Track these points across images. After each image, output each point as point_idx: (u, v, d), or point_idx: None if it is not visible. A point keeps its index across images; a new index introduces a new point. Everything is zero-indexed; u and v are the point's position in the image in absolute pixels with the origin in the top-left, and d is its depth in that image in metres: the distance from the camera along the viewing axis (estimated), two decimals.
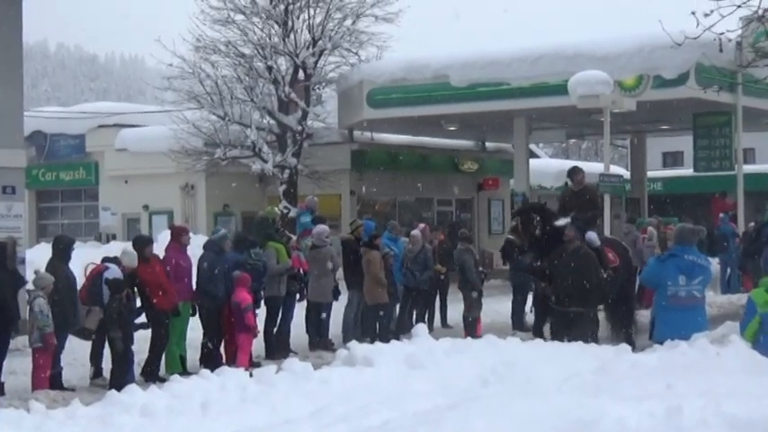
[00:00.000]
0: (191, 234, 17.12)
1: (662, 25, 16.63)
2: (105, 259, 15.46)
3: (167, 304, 15.31)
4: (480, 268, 20.43)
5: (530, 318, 21.81)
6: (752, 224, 27.57)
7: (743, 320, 11.58)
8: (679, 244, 12.70)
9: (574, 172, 18.57)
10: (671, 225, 26.40)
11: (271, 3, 31.62)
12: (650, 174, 41.91)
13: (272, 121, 32.01)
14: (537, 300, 17.99)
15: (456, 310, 20.68)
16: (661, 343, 11.60)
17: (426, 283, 20.50)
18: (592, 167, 41.57)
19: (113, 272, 14.83)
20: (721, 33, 16.07)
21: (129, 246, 15.80)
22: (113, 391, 9.13)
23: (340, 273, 19.02)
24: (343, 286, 19.09)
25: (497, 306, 22.07)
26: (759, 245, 23.54)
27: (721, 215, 29.26)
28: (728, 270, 27.57)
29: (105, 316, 14.40)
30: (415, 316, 20.60)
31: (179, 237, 16.38)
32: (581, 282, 15.66)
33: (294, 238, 19.57)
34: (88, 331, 14.69)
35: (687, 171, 41.22)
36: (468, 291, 19.57)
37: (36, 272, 14.59)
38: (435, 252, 21.26)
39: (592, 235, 16.79)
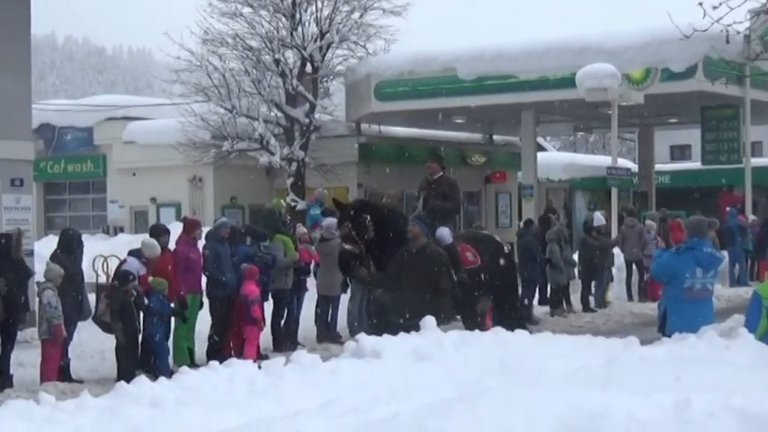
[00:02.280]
0: (203, 228, 17.17)
1: (670, 18, 16.61)
2: (131, 252, 15.48)
3: (171, 296, 15.36)
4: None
5: (537, 311, 21.95)
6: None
7: (748, 313, 11.57)
8: (695, 236, 12.67)
9: (430, 159, 16.56)
10: (678, 218, 26.43)
11: None
12: (658, 167, 41.90)
13: (279, 114, 32.03)
14: (375, 313, 15.29)
15: None
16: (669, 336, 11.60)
17: None
18: (599, 161, 41.67)
19: (131, 264, 14.88)
20: (729, 26, 16.04)
21: (147, 237, 15.80)
22: (122, 382, 9.15)
23: None
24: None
25: None
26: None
27: (729, 209, 29.26)
28: (736, 264, 27.57)
29: (109, 307, 14.45)
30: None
31: (191, 230, 16.43)
32: (426, 287, 13.66)
33: (304, 230, 19.58)
34: (105, 323, 14.72)
35: (695, 164, 41.23)
36: None
37: (47, 264, 14.65)
38: None
39: (443, 231, 14.86)
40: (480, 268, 15.21)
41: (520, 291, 21.51)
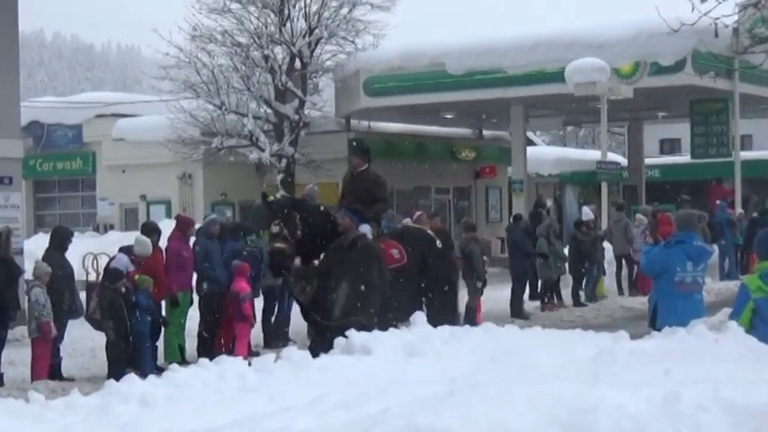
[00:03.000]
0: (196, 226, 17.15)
1: (658, 11, 16.63)
2: (121, 249, 15.44)
3: (161, 294, 15.35)
4: (484, 257, 20.36)
5: (528, 306, 21.99)
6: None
7: (735, 306, 11.60)
8: (684, 230, 12.68)
9: (352, 152, 15.48)
10: (668, 212, 26.46)
11: None
12: (648, 161, 41.96)
13: (268, 111, 32.02)
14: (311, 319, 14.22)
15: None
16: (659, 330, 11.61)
17: None
18: (589, 155, 41.69)
19: (120, 260, 14.84)
20: (717, 19, 16.08)
21: (140, 234, 15.76)
22: (112, 380, 9.14)
23: None
24: None
25: (495, 294, 22.11)
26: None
27: (718, 202, 29.30)
28: (726, 257, 27.61)
29: (99, 305, 14.42)
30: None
31: (185, 228, 16.41)
32: (356, 283, 12.91)
33: None
34: (96, 321, 14.69)
35: (685, 158, 41.28)
36: (473, 280, 19.60)
37: (36, 262, 14.62)
38: None
39: (364, 229, 13.72)
40: (407, 267, 14.06)
41: (511, 285, 21.70)
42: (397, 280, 13.69)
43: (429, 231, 15.61)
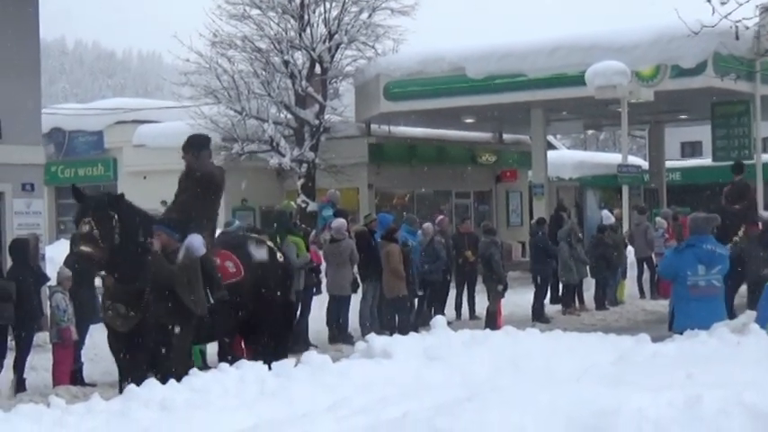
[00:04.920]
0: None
1: (678, 14, 16.57)
2: None
3: None
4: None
5: (549, 309, 21.95)
6: None
7: (760, 308, 11.54)
8: (695, 233, 12.65)
9: (183, 147, 12.97)
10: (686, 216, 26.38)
11: None
12: (669, 164, 41.79)
13: (289, 116, 32.04)
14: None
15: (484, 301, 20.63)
16: (681, 333, 11.57)
17: (437, 274, 20.55)
18: (610, 158, 41.59)
19: None
20: (738, 21, 16.02)
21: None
22: (132, 385, 9.15)
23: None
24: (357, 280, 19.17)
25: (516, 298, 22.09)
26: None
27: None
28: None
29: None
30: (433, 308, 20.64)
31: None
32: (170, 307, 11.37)
33: (313, 231, 19.64)
34: None
35: (706, 161, 41.09)
36: (494, 283, 19.59)
37: (59, 267, 14.69)
38: (465, 242, 21.47)
39: (194, 240, 11.77)
40: (245, 281, 12.37)
41: (533, 289, 21.67)
42: (234, 296, 12.06)
43: (269, 243, 13.83)
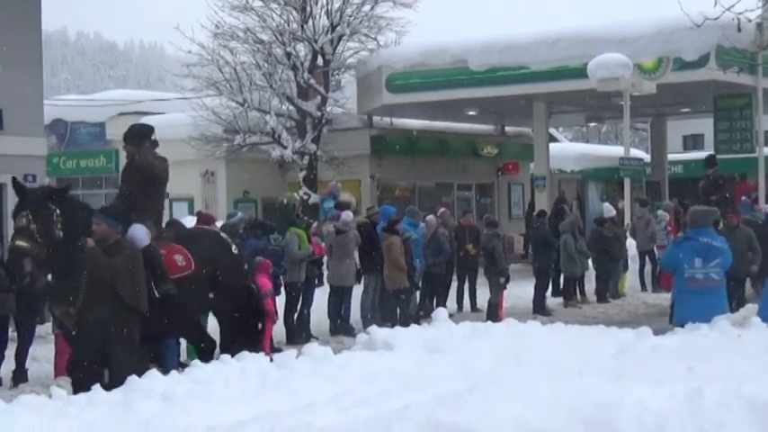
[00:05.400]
0: (218, 223, 17.19)
1: (681, 6, 16.55)
2: None
3: None
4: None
5: (551, 302, 21.96)
6: None
7: (762, 302, 11.55)
8: (693, 226, 12.67)
9: (123, 138, 12.41)
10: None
11: None
12: (671, 157, 41.75)
13: (291, 108, 32.02)
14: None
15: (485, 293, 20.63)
16: (682, 326, 11.59)
17: (440, 266, 20.56)
18: (612, 151, 41.54)
19: None
20: (740, 14, 15.99)
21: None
22: (134, 376, 9.17)
23: (356, 257, 19.11)
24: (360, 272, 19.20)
25: (518, 291, 22.09)
26: None
27: (743, 198, 29.13)
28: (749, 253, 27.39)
29: None
30: (435, 300, 20.65)
31: (206, 224, 16.44)
32: (110, 301, 10.72)
33: (315, 223, 19.65)
34: None
35: (708, 154, 41.05)
36: (496, 275, 19.59)
37: None
38: (466, 234, 21.48)
39: (137, 230, 11.45)
40: (195, 275, 11.87)
41: (534, 282, 21.67)
42: (184, 292, 11.58)
43: (223, 234, 13.53)
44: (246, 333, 12.66)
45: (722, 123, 31.85)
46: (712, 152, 29.94)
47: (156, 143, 12.31)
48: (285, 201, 20.48)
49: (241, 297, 12.76)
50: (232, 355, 10.08)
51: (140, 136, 12.18)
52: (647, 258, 24.94)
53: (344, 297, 18.61)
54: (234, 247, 12.94)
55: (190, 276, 11.79)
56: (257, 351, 10.60)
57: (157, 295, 11.21)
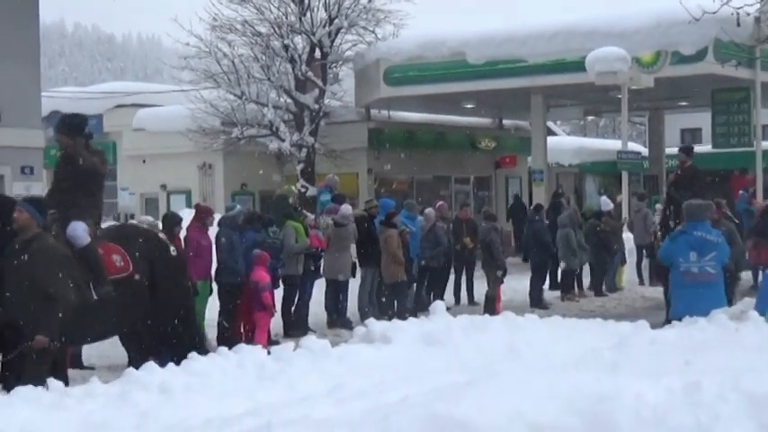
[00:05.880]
0: (215, 215, 17.17)
1: (679, 0, 16.55)
2: None
3: None
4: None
5: (548, 295, 21.96)
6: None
7: (759, 297, 11.56)
8: (688, 220, 12.67)
9: (56, 129, 11.70)
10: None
11: None
12: (668, 150, 41.72)
13: (288, 100, 32.00)
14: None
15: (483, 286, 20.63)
16: (678, 320, 11.59)
17: (438, 260, 20.55)
18: (610, 145, 41.57)
19: None
20: (739, 8, 15.99)
21: (143, 216, 15.81)
22: (131, 368, 9.16)
23: (353, 250, 19.10)
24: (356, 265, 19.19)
25: (515, 284, 22.08)
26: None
27: (741, 192, 29.14)
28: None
29: None
30: (432, 294, 20.64)
31: (204, 217, 16.43)
32: (33, 297, 9.96)
33: (312, 216, 19.63)
34: None
35: (706, 148, 41.06)
36: (493, 269, 19.59)
37: None
38: (463, 228, 21.47)
39: (76, 228, 10.81)
40: (133, 277, 11.29)
41: (530, 275, 21.68)
42: (122, 294, 10.99)
43: (161, 235, 12.91)
44: (178, 336, 11.80)
45: (720, 117, 31.86)
46: (688, 144, 29.93)
47: (90, 135, 11.70)
48: (281, 193, 20.46)
49: (181, 304, 11.98)
50: (156, 361, 9.58)
51: (75, 128, 11.40)
52: (644, 252, 24.93)
53: (341, 290, 18.61)
54: (173, 248, 12.27)
55: (129, 278, 11.19)
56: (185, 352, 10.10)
57: (95, 297, 10.63)
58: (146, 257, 11.52)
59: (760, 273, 21.43)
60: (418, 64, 30.66)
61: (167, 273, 11.74)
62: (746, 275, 23.99)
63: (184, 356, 9.76)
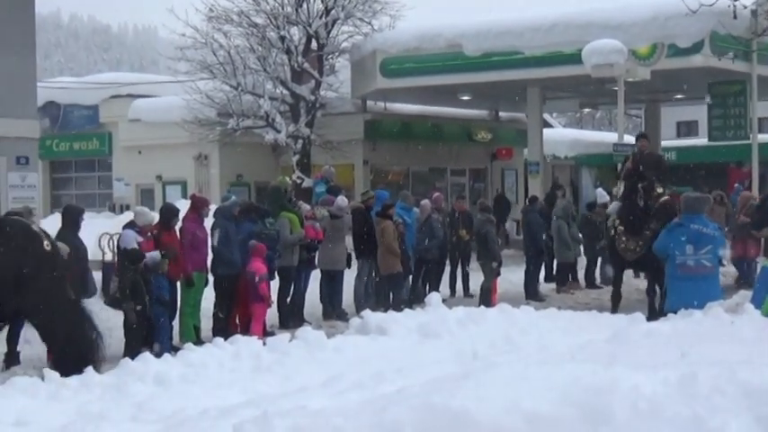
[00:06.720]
0: (211, 206, 17.15)
1: None
2: (125, 226, 15.44)
3: (178, 273, 15.37)
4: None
5: (543, 287, 21.96)
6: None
7: (755, 290, 11.57)
8: (685, 213, 12.66)
9: None
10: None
11: None
12: (664, 143, 41.76)
13: (285, 91, 31.95)
14: None
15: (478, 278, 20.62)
16: (674, 312, 11.60)
17: (433, 251, 20.55)
18: (606, 137, 41.59)
19: (126, 237, 14.81)
20: (736, 1, 15.98)
21: (138, 207, 15.77)
22: (127, 359, 9.16)
23: (350, 242, 19.09)
24: (352, 256, 19.18)
25: (511, 276, 22.09)
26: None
27: (736, 185, 29.17)
28: None
29: (119, 286, 14.42)
30: (428, 285, 20.64)
31: (200, 208, 16.39)
32: None
33: (308, 207, 19.59)
34: (117, 301, 14.66)
35: (702, 140, 41.11)
36: (489, 261, 19.59)
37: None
38: (459, 220, 21.45)
39: None
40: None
41: (525, 267, 21.67)
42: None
43: (34, 227, 12.04)
44: (55, 335, 11.38)
45: (716, 110, 31.87)
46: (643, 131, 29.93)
47: None
48: (276, 184, 20.41)
49: (55, 301, 11.27)
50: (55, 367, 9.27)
51: None
52: None
53: (336, 281, 18.60)
54: (46, 242, 11.52)
55: None
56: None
57: None
58: (14, 250, 10.97)
59: (746, 266, 21.52)
60: (415, 55, 30.63)
61: (39, 264, 11.15)
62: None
63: (65, 361, 9.57)
